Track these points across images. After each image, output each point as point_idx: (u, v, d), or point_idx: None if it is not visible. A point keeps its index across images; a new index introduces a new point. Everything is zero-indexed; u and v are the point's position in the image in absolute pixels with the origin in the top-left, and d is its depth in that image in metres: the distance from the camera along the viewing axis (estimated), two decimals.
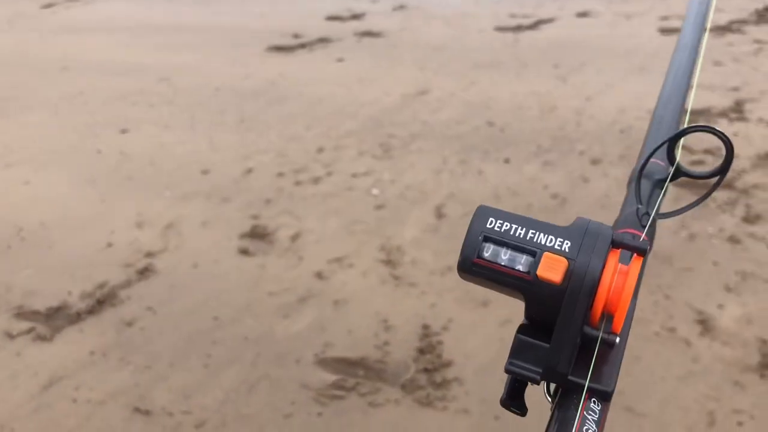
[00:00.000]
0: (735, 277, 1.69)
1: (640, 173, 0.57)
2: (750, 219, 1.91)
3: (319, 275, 1.77)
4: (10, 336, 1.62)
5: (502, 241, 0.42)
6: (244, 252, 1.88)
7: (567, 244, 0.41)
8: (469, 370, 1.45)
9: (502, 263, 0.42)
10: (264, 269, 1.81)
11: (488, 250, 0.42)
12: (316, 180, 2.19)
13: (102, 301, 1.73)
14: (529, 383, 0.43)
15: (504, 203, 2.04)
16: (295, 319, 1.63)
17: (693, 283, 1.67)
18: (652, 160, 0.59)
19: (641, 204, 0.57)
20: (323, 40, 3.68)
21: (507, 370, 0.42)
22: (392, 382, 1.45)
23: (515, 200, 2.04)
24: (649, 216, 0.56)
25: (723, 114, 2.52)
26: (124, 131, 2.66)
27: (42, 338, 1.62)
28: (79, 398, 1.44)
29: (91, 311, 1.70)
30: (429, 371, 1.46)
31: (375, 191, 2.12)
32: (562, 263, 0.40)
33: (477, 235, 0.43)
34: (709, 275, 1.70)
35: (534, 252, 0.41)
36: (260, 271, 1.80)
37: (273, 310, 1.66)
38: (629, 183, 0.61)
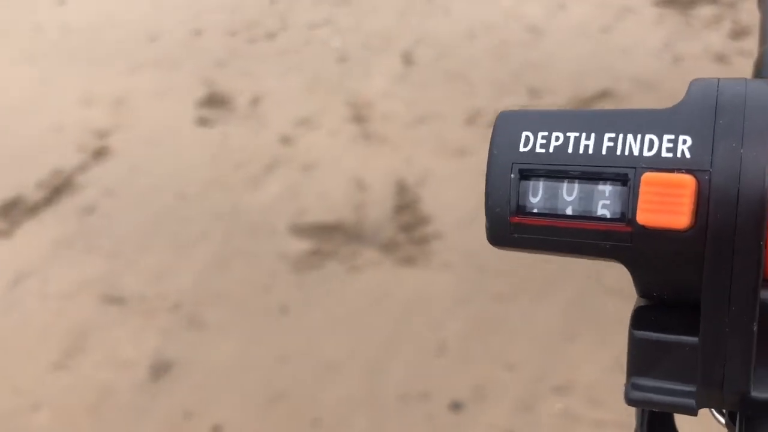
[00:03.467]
0: None
1: None
2: (737, 34, 1.79)
3: (285, 140, 1.66)
4: None
5: (555, 170, 0.23)
6: (203, 122, 1.76)
7: (685, 141, 0.22)
8: (448, 224, 1.40)
9: (568, 212, 0.23)
10: (226, 138, 1.70)
11: (534, 194, 0.23)
12: (271, 36, 2.03)
13: (59, 188, 1.63)
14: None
15: (478, 42, 1.90)
16: (265, 189, 1.55)
17: None
18: None
19: None
20: None
21: (632, 401, 0.24)
22: (371, 243, 1.39)
23: (488, 38, 1.90)
24: None
25: None
26: (62, 2, 2.43)
27: (1, 234, 1.53)
28: (48, 293, 1.39)
29: (48, 201, 1.60)
30: (408, 229, 1.41)
31: (336, 43, 1.97)
32: (685, 185, 0.21)
33: (506, 171, 0.24)
34: None
35: (625, 175, 0.22)
36: (222, 141, 1.70)
37: (240, 182, 1.58)
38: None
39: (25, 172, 1.68)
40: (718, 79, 0.24)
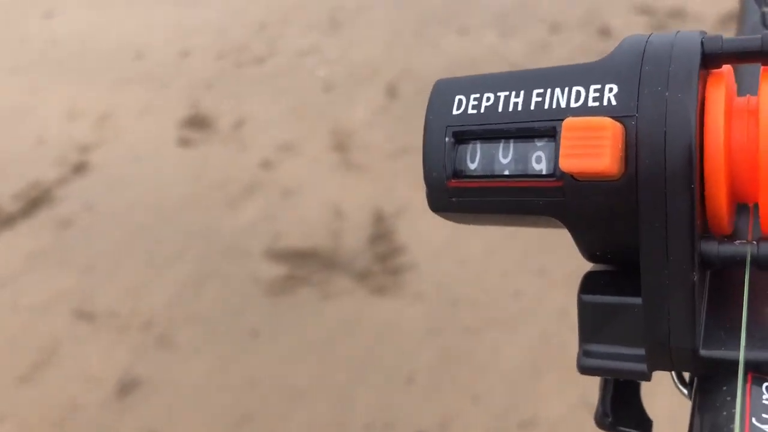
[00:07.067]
0: None
1: None
2: None
3: (266, 164, 1.68)
4: None
5: (488, 130, 0.23)
6: (185, 142, 1.78)
7: (611, 90, 0.21)
8: (422, 256, 1.42)
9: (506, 172, 0.22)
10: (207, 159, 1.71)
11: (471, 157, 0.23)
12: (260, 61, 2.06)
13: (36, 201, 1.63)
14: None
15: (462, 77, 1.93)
16: (243, 211, 1.56)
17: None
18: None
19: None
20: None
21: (584, 369, 0.23)
22: (345, 271, 1.41)
23: (472, 73, 1.94)
24: None
25: None
26: (48, 15, 2.44)
27: None
28: (19, 305, 1.38)
29: (25, 213, 1.60)
30: (382, 258, 1.42)
31: (322, 72, 2.00)
32: (605, 127, 0.20)
33: (441, 136, 0.24)
34: None
35: (553, 128, 0.22)
36: (203, 162, 1.71)
37: (219, 203, 1.59)
38: None
39: (4, 184, 1.68)
40: (651, 33, 0.22)
